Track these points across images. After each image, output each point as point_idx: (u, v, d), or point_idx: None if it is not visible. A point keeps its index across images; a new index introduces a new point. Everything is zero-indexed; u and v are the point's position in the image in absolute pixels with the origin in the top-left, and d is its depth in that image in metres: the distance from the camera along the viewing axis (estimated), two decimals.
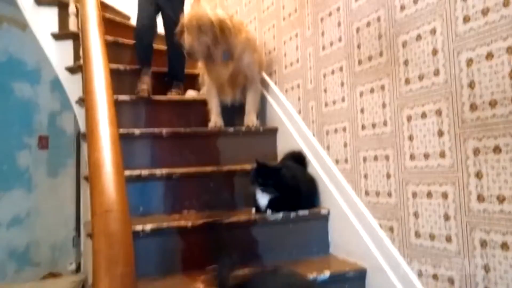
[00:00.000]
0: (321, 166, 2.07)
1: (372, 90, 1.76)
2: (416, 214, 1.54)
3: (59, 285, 3.56)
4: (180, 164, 2.19)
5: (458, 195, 1.37)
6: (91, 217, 1.06)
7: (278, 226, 1.89)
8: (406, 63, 1.58)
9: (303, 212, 1.92)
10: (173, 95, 2.70)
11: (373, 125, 1.75)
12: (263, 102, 2.65)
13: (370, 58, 1.77)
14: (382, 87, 1.70)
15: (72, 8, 2.74)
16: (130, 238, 1.03)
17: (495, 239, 1.25)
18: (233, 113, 2.59)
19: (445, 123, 1.42)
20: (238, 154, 2.33)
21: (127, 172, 1.89)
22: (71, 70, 2.69)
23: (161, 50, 2.85)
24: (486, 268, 1.28)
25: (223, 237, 1.84)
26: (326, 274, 1.65)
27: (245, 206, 2.06)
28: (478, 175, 1.30)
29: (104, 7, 2.94)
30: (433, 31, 1.46)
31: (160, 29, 2.78)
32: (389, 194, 1.67)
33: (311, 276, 1.62)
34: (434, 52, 1.46)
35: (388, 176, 1.67)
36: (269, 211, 1.87)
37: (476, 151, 1.31)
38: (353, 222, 1.82)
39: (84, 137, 2.02)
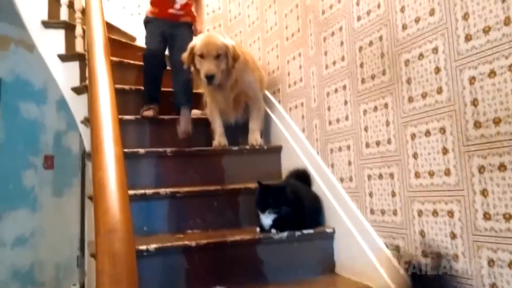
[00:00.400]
0: (325, 184, 2.07)
1: (375, 108, 1.76)
2: (422, 233, 1.53)
3: None
4: (184, 183, 2.19)
5: (464, 213, 1.36)
6: (95, 236, 1.06)
7: (283, 245, 1.87)
8: (409, 81, 1.59)
9: (308, 231, 1.90)
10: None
11: (377, 143, 1.75)
12: (267, 120, 2.66)
13: (373, 77, 1.78)
14: (386, 105, 1.70)
15: (78, 30, 2.78)
16: (133, 257, 1.02)
17: (502, 257, 1.24)
18: (236, 131, 2.60)
19: (449, 141, 1.41)
20: (242, 173, 2.33)
21: (132, 191, 1.89)
22: (77, 90, 2.72)
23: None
24: (494, 287, 1.26)
25: (228, 257, 1.83)
26: None
27: (250, 225, 2.05)
28: (484, 193, 1.29)
29: (110, 28, 2.98)
30: (435, 50, 1.47)
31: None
32: (395, 213, 1.65)
33: None
34: (437, 70, 1.46)
35: (393, 194, 1.66)
36: (273, 230, 1.86)
37: (481, 169, 1.30)
38: (359, 241, 1.80)
39: (89, 157, 2.03)
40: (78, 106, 2.70)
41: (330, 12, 2.09)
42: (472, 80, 1.34)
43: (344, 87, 1.97)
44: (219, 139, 2.46)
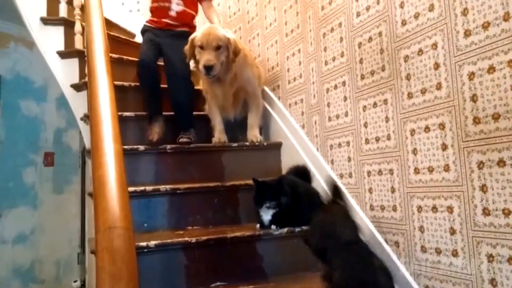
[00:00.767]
0: (325, 181, 2.07)
1: (375, 104, 1.76)
2: (421, 229, 1.53)
3: None
4: (184, 180, 2.19)
5: (464, 209, 1.36)
6: (95, 233, 1.06)
7: (283, 241, 1.87)
8: (408, 77, 1.59)
9: (307, 227, 1.90)
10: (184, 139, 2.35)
11: (377, 139, 1.75)
12: (266, 117, 2.66)
13: (372, 73, 1.78)
14: (385, 101, 1.70)
15: (78, 27, 2.77)
16: (134, 254, 1.02)
17: (501, 253, 1.24)
18: (236, 128, 2.60)
19: (448, 137, 1.41)
20: (242, 169, 2.33)
21: (132, 188, 1.89)
22: (77, 87, 2.71)
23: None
24: (493, 283, 1.26)
25: (228, 253, 1.83)
26: None
27: (250, 221, 2.05)
28: (483, 188, 1.30)
29: (109, 25, 2.98)
30: (435, 46, 1.47)
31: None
32: (394, 209, 1.66)
33: None
34: (436, 66, 1.46)
35: (393, 190, 1.67)
36: (273, 226, 1.86)
37: (480, 165, 1.30)
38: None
39: (89, 154, 2.03)
40: (77, 103, 2.70)
41: (329, 8, 2.08)
42: (471, 75, 1.34)
43: (344, 83, 1.97)
44: (219, 135, 2.46)
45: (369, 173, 1.80)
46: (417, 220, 1.55)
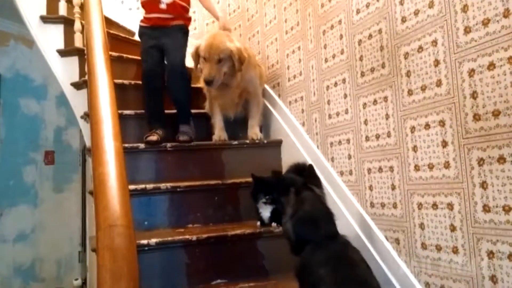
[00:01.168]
0: (325, 178, 2.07)
1: (375, 102, 1.76)
2: (422, 226, 1.53)
3: None
4: (184, 177, 2.20)
5: (464, 205, 1.36)
6: (96, 231, 1.06)
7: (284, 239, 1.87)
8: (408, 74, 1.58)
9: None
10: (183, 138, 2.34)
11: (377, 137, 1.75)
12: (267, 114, 2.66)
13: (372, 70, 1.78)
14: (385, 99, 1.70)
15: (77, 25, 2.77)
16: (134, 252, 1.03)
17: (502, 249, 1.24)
18: (236, 126, 2.60)
19: (448, 134, 1.41)
20: (242, 167, 2.33)
21: (132, 186, 1.89)
22: (77, 85, 2.71)
23: None
24: (494, 279, 1.26)
25: (229, 251, 1.83)
26: None
27: (250, 219, 2.06)
28: (483, 185, 1.30)
29: (108, 23, 2.98)
30: (435, 42, 1.47)
31: None
32: (395, 206, 1.66)
33: None
34: (436, 63, 1.46)
35: (393, 187, 1.67)
36: (274, 224, 1.86)
37: (481, 161, 1.30)
38: (359, 233, 1.81)
39: (89, 152, 2.03)
40: (77, 101, 2.70)
41: (329, 5, 2.08)
42: (471, 72, 1.33)
43: (344, 80, 1.97)
44: (219, 133, 2.46)
45: (369, 170, 1.80)
46: (418, 217, 1.55)
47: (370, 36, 1.79)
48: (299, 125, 2.37)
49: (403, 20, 1.61)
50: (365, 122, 1.82)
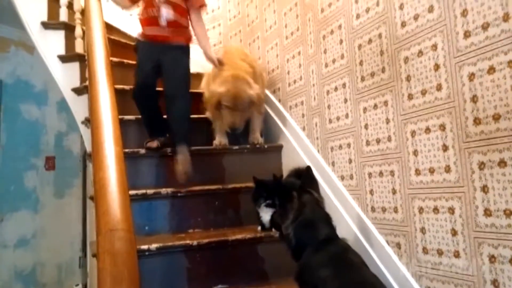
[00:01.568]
0: (326, 183, 2.07)
1: (375, 106, 1.76)
2: (423, 230, 1.53)
3: None
4: (185, 182, 2.19)
5: (465, 210, 1.36)
6: (96, 236, 1.06)
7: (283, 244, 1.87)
8: (408, 78, 1.59)
9: None
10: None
11: (378, 141, 1.75)
12: (267, 119, 2.66)
13: (372, 75, 1.78)
14: (385, 103, 1.70)
15: (78, 31, 2.78)
16: (135, 257, 1.02)
17: (503, 253, 1.24)
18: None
19: (449, 138, 1.41)
20: (243, 172, 2.33)
21: (132, 191, 1.89)
22: (77, 91, 2.72)
23: None
24: (495, 284, 1.26)
25: (229, 255, 1.83)
26: None
27: (251, 224, 2.05)
28: (484, 189, 1.29)
29: (109, 29, 2.99)
30: (434, 47, 1.47)
31: None
32: (395, 210, 1.66)
33: None
34: (436, 67, 1.47)
35: (394, 191, 1.67)
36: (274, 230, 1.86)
37: (481, 165, 1.30)
38: (359, 238, 1.80)
39: (90, 157, 2.03)
40: (78, 106, 2.70)
41: (329, 10, 2.09)
42: (471, 76, 1.34)
43: (344, 85, 1.97)
44: (220, 138, 2.46)
45: (370, 174, 1.80)
46: (419, 222, 1.55)
47: (370, 40, 1.80)
48: (299, 130, 2.37)
49: (403, 24, 1.61)
50: (366, 127, 1.83)
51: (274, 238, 1.85)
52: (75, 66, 2.80)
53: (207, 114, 2.60)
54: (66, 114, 4.44)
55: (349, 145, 1.94)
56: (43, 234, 4.35)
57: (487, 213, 1.28)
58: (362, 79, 1.84)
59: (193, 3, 2.31)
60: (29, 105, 4.47)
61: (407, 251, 1.60)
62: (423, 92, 1.52)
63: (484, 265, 1.30)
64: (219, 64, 2.32)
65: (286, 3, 2.51)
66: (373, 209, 1.78)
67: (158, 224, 2.02)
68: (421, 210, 1.54)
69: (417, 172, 1.55)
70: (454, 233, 1.40)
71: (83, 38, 2.74)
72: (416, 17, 1.55)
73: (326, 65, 2.11)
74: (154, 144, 2.20)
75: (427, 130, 1.50)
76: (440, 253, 1.46)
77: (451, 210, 1.41)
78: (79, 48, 2.77)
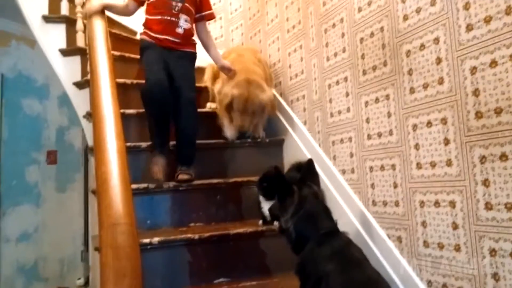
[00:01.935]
0: (327, 177, 2.07)
1: (377, 100, 1.76)
2: (424, 224, 1.53)
3: None
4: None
5: (466, 203, 1.36)
6: (99, 230, 1.07)
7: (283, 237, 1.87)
8: (410, 72, 1.58)
9: None
10: (183, 176, 2.09)
11: (379, 135, 1.75)
12: None
13: (374, 68, 1.78)
14: (387, 97, 1.70)
15: (79, 25, 2.77)
16: (137, 250, 1.03)
17: (504, 247, 1.24)
18: None
19: (450, 132, 1.41)
20: (244, 166, 2.33)
21: (134, 186, 1.90)
22: (79, 85, 2.72)
23: None
24: (496, 277, 1.26)
25: (231, 249, 1.84)
26: None
27: (252, 218, 2.06)
28: (485, 183, 1.30)
29: (110, 22, 2.98)
30: (437, 40, 1.47)
31: None
32: (397, 204, 1.66)
33: None
34: (438, 61, 1.46)
35: (395, 185, 1.67)
36: (276, 223, 1.86)
37: (483, 159, 1.30)
38: (361, 232, 1.81)
39: (92, 151, 2.03)
40: (80, 100, 2.70)
41: (331, 4, 2.08)
42: (473, 70, 1.33)
43: (346, 78, 1.97)
44: (232, 132, 2.41)
45: (371, 168, 1.80)
46: (420, 215, 1.55)
47: (372, 34, 1.79)
48: (301, 124, 2.37)
49: (405, 18, 1.61)
50: (367, 121, 1.82)
51: (276, 232, 1.85)
52: (76, 60, 2.79)
53: (208, 108, 2.60)
54: (67, 108, 4.44)
55: (350, 139, 1.94)
56: (45, 229, 4.37)
57: (488, 206, 1.29)
58: (364, 72, 1.84)
59: (205, 15, 2.30)
60: (31, 100, 4.47)
61: (408, 245, 1.60)
62: (425, 86, 1.52)
63: (485, 259, 1.30)
64: (232, 74, 2.34)
65: None
66: (374, 203, 1.79)
67: (160, 218, 2.03)
68: (422, 204, 1.54)
69: (419, 166, 1.55)
70: (455, 226, 1.40)
71: (84, 31, 2.73)
72: (418, 11, 1.54)
73: (328, 59, 2.11)
74: (160, 175, 2.01)
75: (429, 124, 1.50)
76: (441, 246, 1.46)
77: (452, 204, 1.41)
78: (80, 41, 2.77)
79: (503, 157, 1.24)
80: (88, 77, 2.07)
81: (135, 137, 2.32)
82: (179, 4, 2.16)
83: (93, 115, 1.51)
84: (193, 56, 2.27)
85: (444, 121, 1.44)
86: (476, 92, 1.32)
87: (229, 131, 2.42)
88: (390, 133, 1.69)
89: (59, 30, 2.85)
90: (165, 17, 2.15)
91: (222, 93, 2.37)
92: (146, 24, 2.22)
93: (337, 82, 2.03)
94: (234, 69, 2.33)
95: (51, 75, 3.52)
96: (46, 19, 2.84)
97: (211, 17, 2.35)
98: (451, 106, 1.41)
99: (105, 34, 1.94)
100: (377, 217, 1.77)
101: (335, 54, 2.05)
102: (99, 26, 1.99)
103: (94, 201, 1.54)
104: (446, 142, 1.43)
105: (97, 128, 1.41)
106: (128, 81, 2.69)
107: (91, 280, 3.50)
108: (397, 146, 1.65)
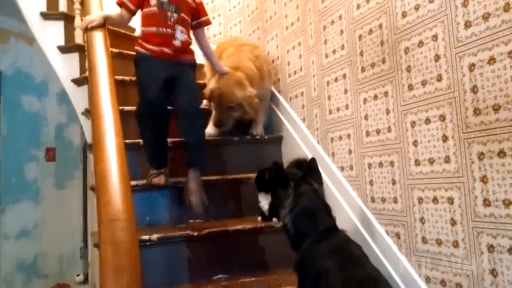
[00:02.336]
0: (326, 173, 2.07)
1: (375, 97, 1.76)
2: (422, 220, 1.54)
3: None
4: (185, 173, 2.19)
5: (464, 200, 1.37)
6: (98, 226, 1.07)
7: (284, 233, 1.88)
8: (408, 69, 1.59)
9: None
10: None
11: (378, 132, 1.76)
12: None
13: (373, 65, 1.78)
14: (386, 94, 1.70)
15: (78, 21, 2.77)
16: (136, 246, 1.03)
17: (502, 243, 1.25)
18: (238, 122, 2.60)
19: (449, 128, 1.42)
20: (243, 163, 2.34)
21: (133, 182, 1.90)
22: (77, 82, 2.72)
23: None
24: (494, 273, 1.27)
25: (230, 246, 1.84)
26: None
27: (251, 214, 2.06)
28: (484, 179, 1.30)
29: None
30: (435, 37, 1.47)
31: None
32: (395, 200, 1.66)
33: None
34: (437, 58, 1.46)
35: (394, 182, 1.67)
36: (275, 219, 1.87)
37: (481, 156, 1.31)
38: (359, 228, 1.81)
39: (91, 148, 2.03)
40: (78, 97, 2.70)
41: (329, 1, 2.08)
42: (471, 67, 1.34)
43: (344, 75, 1.97)
44: (210, 131, 2.42)
45: (370, 165, 1.81)
46: (418, 212, 1.55)
47: (371, 31, 1.79)
48: (299, 121, 2.37)
49: (404, 15, 1.61)
50: (366, 117, 1.83)
51: (274, 228, 1.86)
52: (74, 57, 2.80)
53: (204, 105, 2.60)
54: (66, 106, 4.44)
55: (349, 136, 1.94)
56: (44, 225, 4.38)
57: (486, 203, 1.29)
58: (363, 69, 1.84)
59: (203, 21, 2.24)
60: (29, 97, 4.47)
61: (406, 241, 1.61)
62: (424, 83, 1.52)
63: (483, 255, 1.31)
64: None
65: None
66: (372, 200, 1.79)
67: (159, 214, 2.03)
68: (420, 200, 1.54)
69: (417, 163, 1.55)
70: (453, 223, 1.41)
71: None
72: (416, 7, 1.54)
73: (327, 56, 2.11)
74: (162, 180, 2.00)
75: (427, 120, 1.50)
76: (439, 243, 1.47)
77: (450, 200, 1.42)
78: (78, 38, 2.77)
79: (501, 153, 1.24)
80: (87, 74, 2.06)
81: (134, 134, 2.31)
82: (175, 15, 2.07)
83: (91, 112, 1.51)
84: (193, 65, 2.19)
85: (442, 117, 1.44)
86: (474, 89, 1.33)
87: (208, 128, 2.42)
88: (389, 130, 1.69)
89: (58, 27, 2.85)
90: (161, 29, 2.06)
91: (208, 85, 2.40)
92: (142, 36, 2.15)
93: (336, 79, 2.03)
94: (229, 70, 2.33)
95: (50, 72, 3.52)
96: (44, 16, 2.84)
97: (208, 23, 2.29)
98: (450, 103, 1.41)
99: (103, 31, 1.94)
100: (375, 214, 1.78)
101: (334, 51, 2.05)
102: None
103: (93, 197, 1.55)
104: (445, 138, 1.44)
105: (96, 125, 1.41)
106: (127, 78, 2.68)
107: (90, 276, 3.51)
108: (396, 143, 1.66)
